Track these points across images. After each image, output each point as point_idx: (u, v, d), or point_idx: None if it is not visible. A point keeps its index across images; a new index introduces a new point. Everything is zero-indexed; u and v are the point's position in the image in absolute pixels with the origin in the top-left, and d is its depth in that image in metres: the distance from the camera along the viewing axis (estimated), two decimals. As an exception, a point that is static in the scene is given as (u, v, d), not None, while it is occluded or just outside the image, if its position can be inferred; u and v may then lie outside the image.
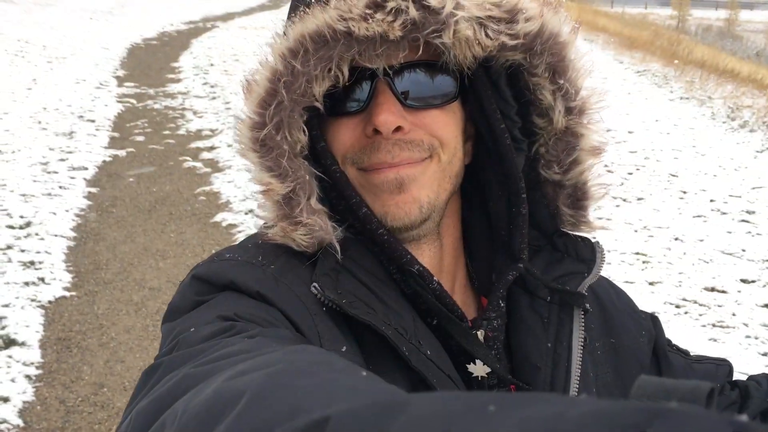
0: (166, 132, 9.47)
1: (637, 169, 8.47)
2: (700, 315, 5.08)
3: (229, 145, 8.84)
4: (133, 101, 11.18)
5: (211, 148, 8.74)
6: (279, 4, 28.93)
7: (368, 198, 0.85)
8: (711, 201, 7.48)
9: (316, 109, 0.81)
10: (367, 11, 0.74)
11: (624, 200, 7.42)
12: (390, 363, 0.78)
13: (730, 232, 6.65)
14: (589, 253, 0.93)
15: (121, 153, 8.49)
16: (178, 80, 13.00)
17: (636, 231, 6.61)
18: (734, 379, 1.09)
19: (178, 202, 6.98)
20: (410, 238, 0.87)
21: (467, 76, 0.85)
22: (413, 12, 0.74)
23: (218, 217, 6.56)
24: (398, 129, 0.82)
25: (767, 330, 4.88)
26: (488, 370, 0.85)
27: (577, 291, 0.89)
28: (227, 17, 23.26)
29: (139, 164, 8.09)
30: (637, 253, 6.08)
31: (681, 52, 16.91)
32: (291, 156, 0.80)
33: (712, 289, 5.49)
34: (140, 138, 9.16)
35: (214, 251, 0.89)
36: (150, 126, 9.75)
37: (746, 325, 4.96)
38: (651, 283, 5.52)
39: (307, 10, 0.77)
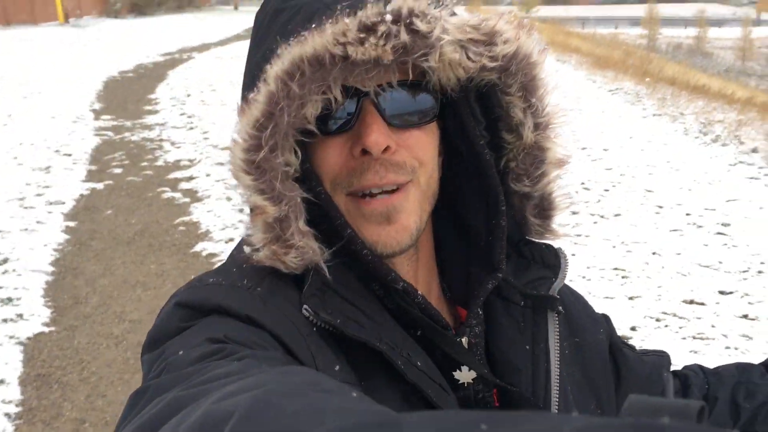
0: (144, 163, 9.44)
1: (614, 186, 8.57)
2: (680, 328, 5.13)
3: (208, 175, 8.84)
4: (111, 134, 11.15)
5: (190, 178, 8.72)
6: (255, 34, 29.09)
7: (357, 224, 0.85)
8: (687, 215, 7.58)
9: (304, 131, 0.82)
10: (361, 35, 0.75)
11: (601, 217, 7.50)
12: (383, 378, 0.79)
13: (706, 245, 6.74)
14: (553, 259, 0.96)
15: (99, 186, 8.45)
16: (155, 111, 12.99)
17: (614, 247, 6.67)
18: (674, 369, 1.17)
19: (158, 233, 6.95)
20: (390, 256, 0.88)
21: (442, 95, 0.87)
22: (404, 36, 0.76)
23: (198, 247, 6.54)
24: (386, 149, 0.83)
25: (746, 340, 4.94)
26: (474, 375, 0.87)
27: (550, 295, 0.93)
28: (203, 48, 23.34)
29: (117, 196, 8.06)
30: (616, 269, 6.13)
31: (652, 70, 17.21)
32: (284, 178, 0.80)
33: (691, 302, 5.54)
34: (118, 170, 9.12)
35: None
36: (128, 158, 9.72)
37: (725, 336, 5.01)
38: (630, 298, 5.57)
39: (304, 34, 0.77)
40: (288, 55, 0.77)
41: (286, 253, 0.80)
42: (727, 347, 4.84)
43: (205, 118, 12.28)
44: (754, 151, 9.92)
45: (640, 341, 4.87)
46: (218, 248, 6.47)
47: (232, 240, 6.62)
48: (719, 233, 7.04)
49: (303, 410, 0.47)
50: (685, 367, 1.18)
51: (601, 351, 1.02)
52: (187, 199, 7.93)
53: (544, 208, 0.94)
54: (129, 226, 7.11)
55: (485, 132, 0.93)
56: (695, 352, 4.75)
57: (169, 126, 11.72)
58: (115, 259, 6.24)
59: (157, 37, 25.49)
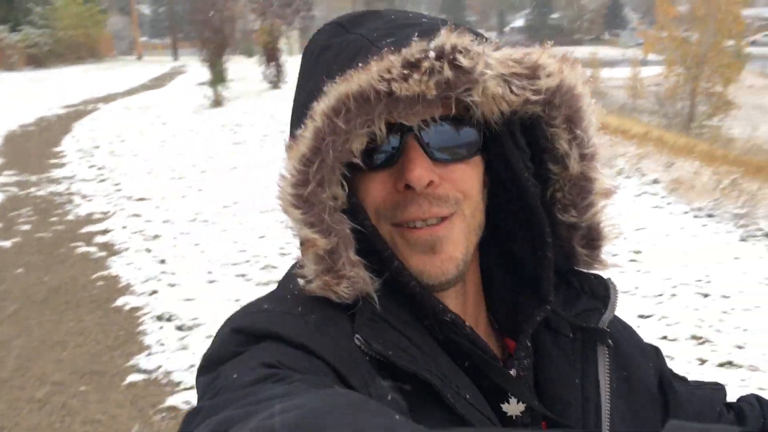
0: (54, 218, 9.06)
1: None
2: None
3: (124, 227, 8.57)
4: (15, 189, 10.67)
5: (105, 231, 8.42)
6: (161, 84, 28.70)
7: (403, 254, 0.86)
8: (601, 244, 7.91)
9: (350, 165, 0.83)
10: (405, 71, 0.76)
11: (522, 250, 7.74)
12: (432, 409, 0.79)
13: (622, 272, 7.04)
14: (602, 290, 0.96)
15: (6, 244, 8.03)
16: (62, 165, 12.55)
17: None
18: (728, 401, 1.14)
19: (74, 289, 6.65)
20: (439, 288, 0.88)
21: (486, 128, 0.87)
22: (447, 72, 0.76)
23: (120, 301, 6.29)
24: (429, 183, 0.83)
25: (669, 360, 5.17)
26: (522, 408, 0.87)
27: (600, 327, 0.92)
28: (109, 98, 22.78)
29: (27, 254, 7.68)
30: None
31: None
32: (332, 211, 0.81)
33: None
34: (26, 227, 8.71)
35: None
36: (36, 214, 9.31)
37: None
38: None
39: (351, 72, 0.78)
40: (334, 92, 0.78)
41: (338, 284, 0.81)
42: (652, 368, 5.05)
43: (116, 169, 11.94)
44: (656, 181, 10.52)
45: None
46: (141, 301, 6.25)
47: (155, 292, 6.42)
48: (632, 260, 7.38)
49: (344, 429, 0.49)
50: (741, 399, 1.14)
51: (650, 385, 1.00)
52: (104, 253, 7.64)
53: (592, 239, 0.94)
54: (42, 284, 6.77)
55: (531, 163, 0.93)
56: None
57: (77, 179, 11.33)
58: (30, 319, 5.92)
59: (59, 89, 24.72)
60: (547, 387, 0.91)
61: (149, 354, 5.21)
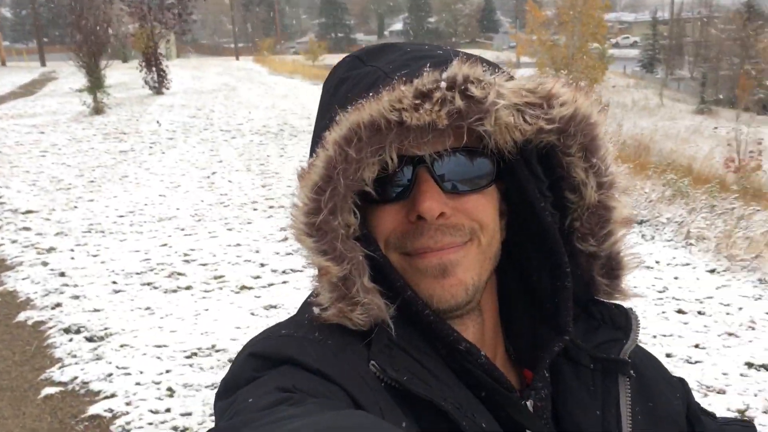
0: (-66, 236, 8.57)
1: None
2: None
3: (14, 241, 8.25)
4: None
5: (-7, 247, 8.08)
6: (32, 90, 27.26)
7: (413, 281, 0.86)
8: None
9: (361, 194, 0.84)
10: (416, 101, 0.77)
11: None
12: None
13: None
14: (623, 320, 0.95)
15: None
16: (-66, 179, 11.78)
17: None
18: None
19: (-32, 307, 6.39)
20: (454, 316, 0.88)
21: (500, 158, 0.87)
22: (459, 102, 0.77)
23: (21, 317, 6.11)
24: (441, 215, 0.83)
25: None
26: None
27: (621, 358, 0.91)
28: (-25, 108, 21.42)
29: None
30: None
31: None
32: (344, 238, 0.82)
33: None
34: None
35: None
36: None
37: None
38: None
39: (362, 102, 0.79)
40: (346, 121, 0.79)
41: (353, 310, 0.82)
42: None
43: (-4, 183, 11.37)
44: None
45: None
46: (45, 315, 6.10)
47: (59, 305, 6.28)
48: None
49: None
50: None
51: (677, 417, 0.97)
52: (-5, 269, 7.35)
53: (612, 268, 0.93)
54: (-69, 304, 6.45)
55: (548, 191, 0.92)
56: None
57: (-47, 194, 10.70)
58: (-75, 341, 5.65)
59: None
60: (567, 418, 0.90)
61: (62, 366, 5.13)
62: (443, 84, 0.78)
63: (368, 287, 0.83)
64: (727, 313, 6.24)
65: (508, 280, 0.98)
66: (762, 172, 16.08)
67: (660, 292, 6.75)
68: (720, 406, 4.62)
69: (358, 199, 0.84)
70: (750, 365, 5.30)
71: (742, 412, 4.58)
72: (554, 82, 0.83)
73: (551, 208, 0.92)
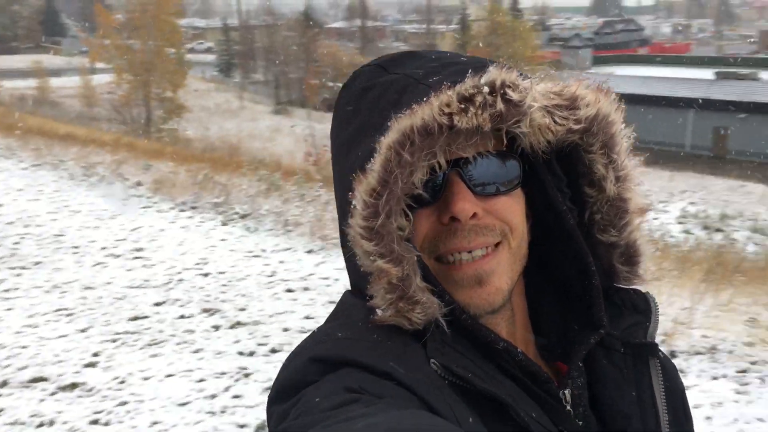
0: None
1: (23, 238, 8.60)
2: (135, 341, 5.80)
3: None
4: None
5: None
6: None
7: (449, 288, 0.87)
8: (103, 248, 8.24)
9: (412, 197, 0.85)
10: (461, 106, 0.80)
11: (23, 268, 7.54)
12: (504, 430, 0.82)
13: (129, 269, 7.54)
14: (643, 304, 0.98)
15: None
16: None
17: (48, 291, 6.88)
18: None
19: None
20: (487, 318, 0.90)
21: (525, 160, 0.90)
22: (500, 105, 0.80)
23: None
24: (473, 216, 0.86)
25: (191, 334, 5.93)
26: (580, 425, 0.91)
27: (650, 342, 0.96)
28: None
29: None
30: (59, 310, 6.40)
31: (17, 123, 17.07)
32: (399, 240, 0.83)
33: (135, 318, 6.26)
34: None
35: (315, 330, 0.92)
36: None
37: (173, 335, 5.91)
38: (83, 330, 5.96)
39: (414, 106, 0.81)
40: (398, 126, 0.81)
41: (412, 309, 0.83)
42: (178, 343, 5.74)
43: None
44: (139, 184, 11.21)
45: (105, 364, 5.36)
46: None
47: None
48: (136, 257, 7.93)
49: None
50: None
51: (684, 398, 1.03)
52: None
53: (631, 255, 0.97)
54: None
55: (567, 188, 0.96)
56: (156, 356, 5.50)
57: None
58: None
59: None
60: (607, 401, 0.94)
61: None
62: (485, 89, 0.81)
63: (422, 287, 0.84)
64: (327, 285, 7.21)
65: (534, 278, 1.01)
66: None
67: (269, 276, 7.47)
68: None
69: (412, 202, 0.85)
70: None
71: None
72: (577, 85, 0.87)
73: (570, 203, 0.96)
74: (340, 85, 1.00)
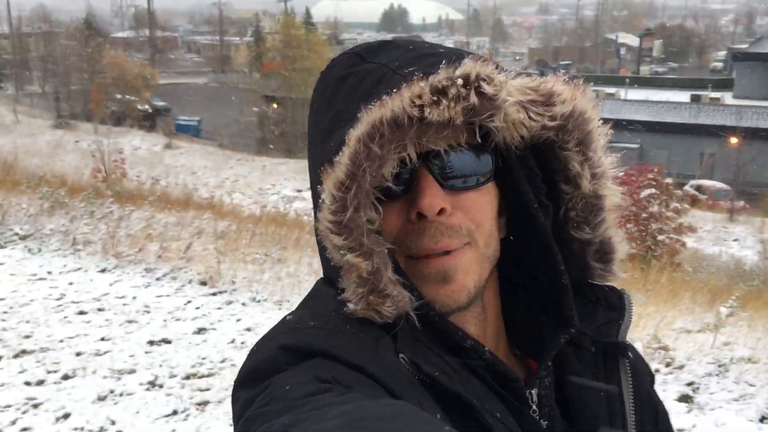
0: None
1: None
2: None
3: None
4: None
5: None
6: None
7: (417, 283, 0.86)
8: None
9: (381, 190, 0.83)
10: (434, 98, 0.78)
11: None
12: (468, 429, 0.80)
13: None
14: (617, 301, 0.97)
15: None
16: None
17: None
18: None
19: None
20: (456, 315, 0.89)
21: (499, 155, 0.89)
22: (473, 98, 0.78)
23: None
24: (441, 211, 0.84)
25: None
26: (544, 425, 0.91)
27: (621, 341, 0.95)
28: None
29: None
30: None
31: None
32: (369, 233, 0.82)
33: None
34: None
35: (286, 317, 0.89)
36: None
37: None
38: None
39: (384, 98, 0.79)
40: (368, 118, 0.79)
41: (383, 303, 0.82)
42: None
43: None
44: None
45: None
46: None
47: None
48: None
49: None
50: None
51: (653, 397, 1.03)
52: None
53: (605, 252, 0.97)
54: None
55: (543, 184, 0.94)
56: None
57: None
58: None
59: None
60: (575, 402, 0.93)
61: None
62: (459, 81, 0.79)
63: (394, 279, 0.84)
64: (124, 305, 6.86)
65: (510, 273, 1.00)
66: (128, 179, 17.47)
67: (58, 299, 6.94)
68: (132, 382, 5.17)
69: (381, 195, 0.84)
70: (152, 343, 6.01)
71: (152, 382, 5.22)
72: (554, 81, 0.86)
73: (545, 199, 0.94)
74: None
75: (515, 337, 1.00)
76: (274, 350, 0.82)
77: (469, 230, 0.87)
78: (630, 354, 0.96)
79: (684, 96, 44.79)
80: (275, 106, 40.35)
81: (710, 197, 26.51)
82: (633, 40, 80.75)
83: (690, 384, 5.02)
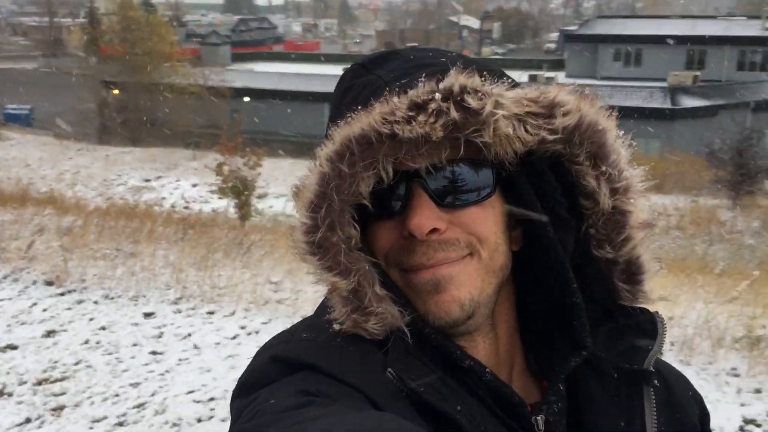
0: None
1: None
2: None
3: None
4: None
5: None
6: None
7: (411, 297, 0.85)
8: None
9: (359, 206, 0.82)
10: (410, 113, 0.76)
11: None
12: None
13: None
14: (649, 325, 0.91)
15: None
16: None
17: None
18: None
19: None
20: (461, 333, 0.86)
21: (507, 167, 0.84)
22: (454, 113, 0.75)
23: None
24: (434, 230, 0.81)
25: None
26: None
27: (645, 368, 0.88)
28: None
29: None
30: None
31: None
32: (347, 251, 0.81)
33: None
34: None
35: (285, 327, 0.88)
36: None
37: None
38: None
39: (352, 115, 0.78)
40: (338, 135, 0.78)
41: (366, 320, 0.81)
42: None
43: None
44: None
45: None
46: None
47: None
48: None
49: None
50: None
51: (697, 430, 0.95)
52: None
53: (633, 273, 0.90)
54: None
55: (562, 198, 0.88)
56: None
57: None
58: None
59: None
60: (592, 429, 0.87)
61: None
62: (438, 95, 0.76)
63: (381, 295, 0.82)
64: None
65: (528, 291, 0.95)
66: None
67: None
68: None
69: (355, 213, 0.82)
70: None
71: (0, 391, 4.91)
72: (558, 90, 0.81)
73: (566, 214, 0.88)
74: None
75: (535, 357, 0.95)
76: (265, 361, 0.82)
77: (469, 243, 0.84)
78: (656, 383, 0.90)
79: (523, 76, 47.26)
80: (116, 92, 38.22)
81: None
82: (475, 23, 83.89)
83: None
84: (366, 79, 0.85)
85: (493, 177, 0.85)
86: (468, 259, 0.84)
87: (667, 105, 34.97)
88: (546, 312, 0.93)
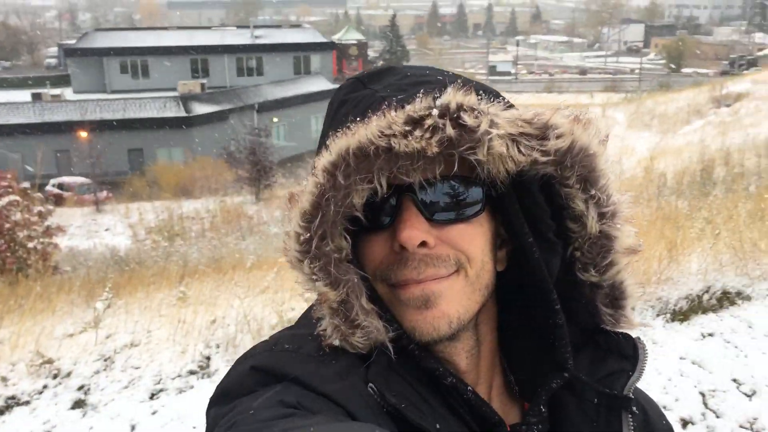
0: None
1: None
2: None
3: None
4: None
5: None
6: None
7: (397, 313, 0.84)
8: None
9: (353, 219, 0.82)
10: (407, 128, 0.76)
11: None
12: None
13: None
14: (630, 350, 0.91)
15: None
16: None
17: None
18: None
19: None
20: (444, 347, 0.86)
21: (498, 187, 0.83)
22: (450, 130, 0.76)
23: None
24: (423, 244, 0.82)
25: None
26: None
27: (625, 395, 0.89)
28: None
29: None
30: None
31: None
32: (337, 262, 0.81)
33: None
34: None
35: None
36: None
37: None
38: None
39: (351, 126, 0.78)
40: (335, 147, 0.78)
41: (353, 333, 0.81)
42: None
43: None
44: None
45: None
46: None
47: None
48: None
49: None
50: None
51: None
52: None
53: (616, 297, 0.91)
54: None
55: (551, 221, 0.89)
56: None
57: None
58: None
59: None
60: None
61: None
62: (435, 111, 0.77)
63: (367, 309, 0.83)
64: None
65: (512, 311, 0.96)
66: None
67: None
68: None
69: (350, 224, 0.83)
70: None
71: None
72: (552, 113, 0.82)
73: (554, 237, 0.89)
74: None
75: (516, 377, 0.98)
76: (245, 370, 0.83)
77: (457, 260, 0.85)
78: (635, 410, 0.92)
79: (25, 95, 43.46)
80: None
81: (75, 193, 26.75)
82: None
83: (81, 388, 5.00)
84: (362, 94, 0.87)
85: (484, 196, 0.87)
86: (455, 276, 0.85)
87: (182, 113, 36.16)
88: (529, 333, 0.96)
